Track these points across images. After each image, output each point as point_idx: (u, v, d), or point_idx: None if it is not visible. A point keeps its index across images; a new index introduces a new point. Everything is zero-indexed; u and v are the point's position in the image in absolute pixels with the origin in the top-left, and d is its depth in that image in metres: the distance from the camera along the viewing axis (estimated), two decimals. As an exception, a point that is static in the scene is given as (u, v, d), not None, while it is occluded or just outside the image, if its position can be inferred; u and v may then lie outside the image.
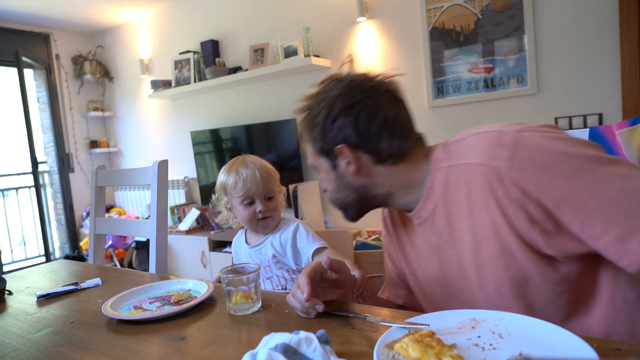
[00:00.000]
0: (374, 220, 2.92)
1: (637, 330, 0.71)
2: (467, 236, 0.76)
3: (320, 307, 0.75)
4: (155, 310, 0.87)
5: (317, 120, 0.83)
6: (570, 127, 2.31)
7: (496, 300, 0.75)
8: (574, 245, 0.67)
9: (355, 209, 0.88)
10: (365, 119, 0.79)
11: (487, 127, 0.76)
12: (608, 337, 0.68)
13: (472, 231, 0.75)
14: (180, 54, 3.70)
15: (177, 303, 0.89)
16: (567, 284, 0.70)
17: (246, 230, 1.28)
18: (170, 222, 3.84)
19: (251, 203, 1.16)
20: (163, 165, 1.42)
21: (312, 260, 1.13)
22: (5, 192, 4.33)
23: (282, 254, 1.18)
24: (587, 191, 0.64)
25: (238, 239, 1.29)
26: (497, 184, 0.69)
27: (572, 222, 0.65)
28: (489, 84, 2.51)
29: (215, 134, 3.62)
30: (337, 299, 0.82)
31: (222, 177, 1.20)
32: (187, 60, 3.62)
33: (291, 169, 3.18)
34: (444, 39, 2.62)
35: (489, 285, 0.75)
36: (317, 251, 1.13)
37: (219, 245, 3.44)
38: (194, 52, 3.60)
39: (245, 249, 1.24)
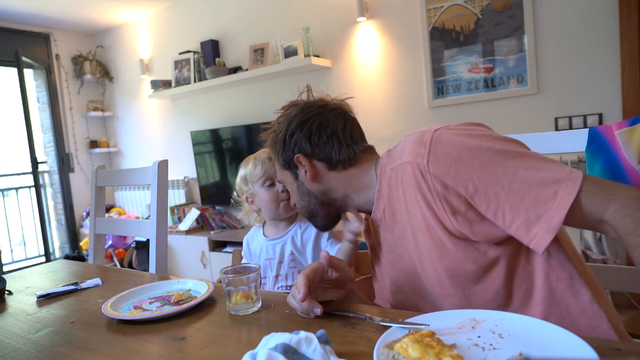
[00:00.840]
0: (374, 220, 2.91)
1: (571, 309, 0.74)
2: (408, 232, 0.83)
3: (318, 311, 0.75)
4: (155, 310, 0.87)
5: (279, 138, 0.96)
6: (570, 127, 2.31)
7: (439, 290, 0.81)
8: (495, 231, 0.73)
9: (321, 214, 0.98)
10: (316, 130, 0.92)
11: (416, 129, 0.83)
12: (546, 319, 0.70)
13: (411, 226, 0.82)
14: (180, 54, 3.70)
15: (177, 303, 0.89)
16: (500, 268, 0.75)
17: (264, 225, 1.30)
18: (170, 222, 3.84)
19: (272, 185, 1.21)
20: (163, 165, 1.42)
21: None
22: (5, 192, 4.33)
23: (302, 251, 1.20)
24: (496, 182, 0.70)
25: (254, 232, 1.31)
26: (422, 180, 0.76)
27: (487, 212, 0.71)
28: (489, 84, 2.51)
29: (215, 134, 3.63)
30: (337, 299, 0.82)
31: (241, 171, 1.27)
32: (187, 60, 3.62)
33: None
34: (444, 39, 2.62)
35: (431, 275, 0.81)
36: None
37: (219, 245, 3.44)
38: (194, 52, 3.60)
39: (262, 242, 1.25)
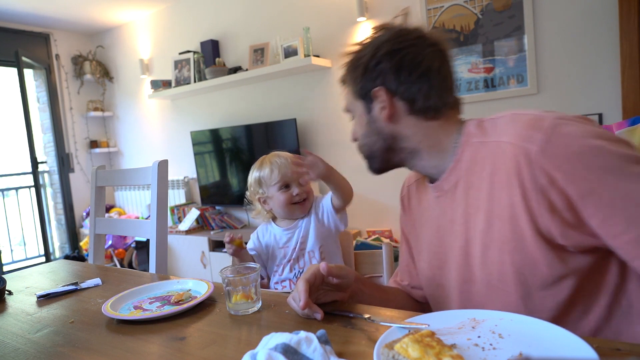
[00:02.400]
0: (374, 220, 2.92)
1: (620, 337, 0.71)
2: (481, 214, 0.75)
3: (318, 316, 0.75)
4: (155, 310, 0.87)
5: (361, 62, 0.83)
6: (570, 127, 2.30)
7: (496, 282, 0.75)
8: (588, 238, 0.67)
9: (380, 158, 0.87)
10: (407, 65, 0.79)
11: (527, 110, 0.75)
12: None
13: (488, 210, 0.74)
14: (180, 54, 3.70)
15: (177, 303, 0.89)
16: (571, 280, 0.70)
17: (274, 221, 1.36)
18: (170, 222, 3.84)
19: (288, 187, 1.26)
20: (163, 165, 1.42)
21: (331, 199, 1.26)
22: (5, 192, 4.33)
23: (306, 233, 1.27)
24: (615, 189, 0.63)
25: (265, 227, 1.36)
26: (525, 167, 0.68)
27: (593, 217, 0.65)
28: (489, 84, 2.51)
29: (215, 134, 3.62)
30: (340, 300, 0.82)
31: (255, 172, 1.30)
32: (187, 60, 3.62)
33: (291, 169, 3.18)
34: (444, 39, 2.62)
35: (492, 266, 0.74)
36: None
37: (219, 245, 3.44)
38: (194, 52, 3.60)
39: (277, 232, 1.31)
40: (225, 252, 3.30)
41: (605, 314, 0.71)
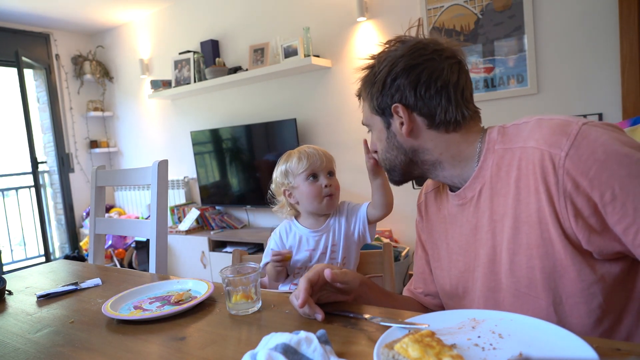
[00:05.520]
0: (374, 220, 2.91)
1: None
2: (508, 220, 0.75)
3: (319, 317, 0.74)
4: (155, 310, 0.87)
5: (378, 78, 0.83)
6: (570, 127, 2.30)
7: (525, 288, 0.74)
8: (612, 245, 0.67)
9: (401, 171, 0.89)
10: (425, 80, 0.79)
11: (552, 115, 0.75)
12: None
13: (514, 216, 0.74)
14: (180, 54, 3.70)
15: (177, 303, 0.89)
16: (601, 287, 0.69)
17: (297, 219, 1.28)
18: (170, 222, 3.84)
19: (315, 178, 1.20)
20: (163, 165, 1.42)
21: (367, 209, 1.22)
22: (5, 192, 4.33)
23: (338, 242, 1.22)
24: (639, 197, 0.63)
25: (288, 225, 1.28)
26: (551, 172, 0.69)
27: (616, 224, 0.65)
28: (489, 84, 2.51)
29: (215, 134, 3.63)
30: (344, 301, 0.82)
31: (282, 166, 1.25)
32: (187, 60, 3.62)
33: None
34: (444, 39, 2.62)
35: (521, 271, 0.74)
36: (370, 205, 1.21)
37: (219, 245, 3.44)
38: (194, 52, 3.60)
39: (303, 233, 1.24)
40: (225, 252, 3.31)
41: (636, 321, 0.71)
